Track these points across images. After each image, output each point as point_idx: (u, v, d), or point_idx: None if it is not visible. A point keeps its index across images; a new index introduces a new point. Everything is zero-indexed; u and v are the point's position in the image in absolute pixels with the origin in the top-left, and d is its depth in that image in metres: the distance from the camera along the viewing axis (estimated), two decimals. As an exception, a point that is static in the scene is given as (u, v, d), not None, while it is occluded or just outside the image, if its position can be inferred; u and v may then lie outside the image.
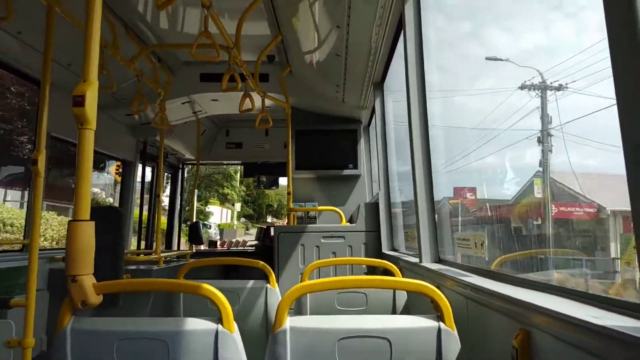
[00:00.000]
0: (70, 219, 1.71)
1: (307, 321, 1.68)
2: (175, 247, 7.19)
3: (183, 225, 8.02)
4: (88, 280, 1.64)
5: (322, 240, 4.82)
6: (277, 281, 3.13)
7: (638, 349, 0.94)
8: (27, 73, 3.91)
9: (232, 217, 37.51)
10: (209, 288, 1.69)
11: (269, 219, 38.25)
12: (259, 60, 4.44)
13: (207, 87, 5.07)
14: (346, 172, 6.04)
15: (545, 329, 1.30)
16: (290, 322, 1.63)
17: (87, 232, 1.66)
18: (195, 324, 1.65)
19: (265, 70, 5.01)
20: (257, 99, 4.85)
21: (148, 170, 6.27)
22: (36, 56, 3.34)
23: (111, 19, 3.64)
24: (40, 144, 2.77)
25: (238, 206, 37.84)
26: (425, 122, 3.08)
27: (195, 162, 6.89)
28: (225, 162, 8.29)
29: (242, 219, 38.02)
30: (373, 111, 5.31)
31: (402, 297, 2.80)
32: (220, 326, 1.63)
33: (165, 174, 7.16)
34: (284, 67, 5.05)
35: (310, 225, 5.43)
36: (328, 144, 6.02)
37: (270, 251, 5.03)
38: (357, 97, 5.22)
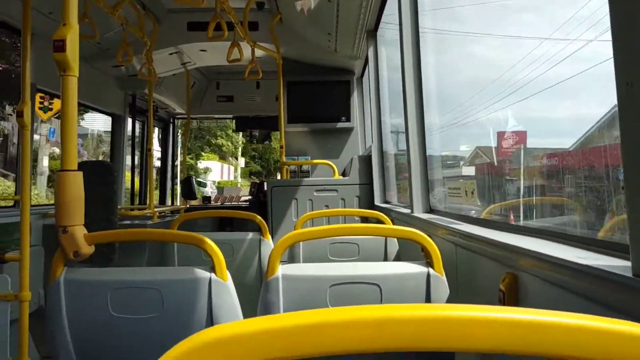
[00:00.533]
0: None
1: (299, 269, 1.70)
2: (168, 203, 7.20)
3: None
4: (79, 231, 1.64)
5: (315, 194, 4.84)
6: (271, 234, 3.16)
7: (621, 287, 0.95)
8: (8, 22, 3.76)
9: (235, 174, 33.33)
10: (201, 237, 1.70)
11: (278, 177, 35.88)
12: (247, 6, 4.28)
13: (195, 36, 4.91)
14: (339, 125, 5.98)
15: (532, 272, 1.32)
16: (282, 269, 1.65)
17: (76, 182, 1.64)
18: (189, 273, 1.67)
19: (254, 18, 4.84)
20: (247, 49, 4.72)
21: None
22: (15, 4, 3.20)
23: None
24: (25, 95, 2.71)
25: (242, 161, 33.71)
26: (419, 73, 3.02)
27: (185, 115, 6.79)
28: (216, 116, 8.18)
29: (248, 176, 33.47)
30: (366, 62, 5.20)
31: (393, 247, 2.84)
32: (213, 275, 1.65)
33: (156, 128, 7.07)
34: (274, 14, 4.88)
35: (303, 179, 5.43)
36: (321, 96, 5.92)
37: (264, 206, 5.05)
38: (349, 46, 5.09)
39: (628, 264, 0.99)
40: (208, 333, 0.48)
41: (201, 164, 29.10)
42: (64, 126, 1.68)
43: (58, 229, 1.63)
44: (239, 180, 31.64)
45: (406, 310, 0.49)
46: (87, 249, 1.64)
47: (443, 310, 0.49)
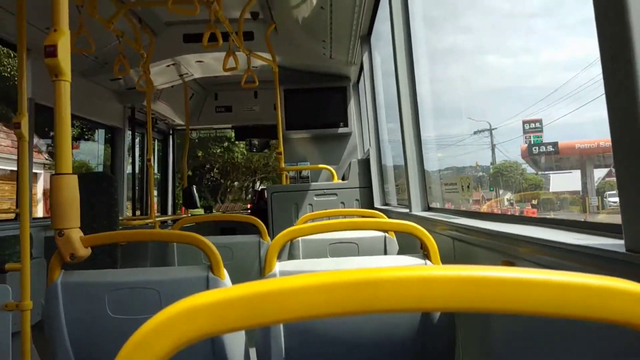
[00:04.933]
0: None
1: (297, 265, 1.70)
2: (170, 212, 7.21)
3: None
4: (75, 233, 1.64)
5: (315, 198, 4.84)
6: (272, 238, 3.15)
7: (615, 262, 0.95)
8: (3, 38, 3.80)
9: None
10: (199, 237, 1.70)
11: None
12: (241, 16, 4.32)
13: (191, 47, 4.96)
14: (337, 130, 6.00)
15: (527, 257, 1.31)
16: (279, 266, 1.64)
17: (70, 185, 1.64)
18: (186, 272, 1.66)
19: (249, 28, 4.89)
20: (243, 58, 4.76)
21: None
22: (10, 20, 3.24)
23: None
24: (22, 107, 2.73)
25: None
26: (412, 76, 3.03)
27: (184, 127, 6.82)
28: (215, 126, 8.22)
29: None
30: (361, 67, 5.23)
31: (393, 246, 2.83)
32: (210, 273, 1.65)
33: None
34: (268, 24, 4.93)
35: (303, 184, 5.44)
36: (318, 103, 5.96)
37: (265, 213, 5.05)
38: (344, 52, 5.13)
39: (621, 241, 0.99)
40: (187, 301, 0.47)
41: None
42: (57, 131, 1.69)
43: (54, 232, 1.63)
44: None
45: (405, 271, 0.47)
46: (84, 251, 1.64)
47: (442, 270, 0.47)
